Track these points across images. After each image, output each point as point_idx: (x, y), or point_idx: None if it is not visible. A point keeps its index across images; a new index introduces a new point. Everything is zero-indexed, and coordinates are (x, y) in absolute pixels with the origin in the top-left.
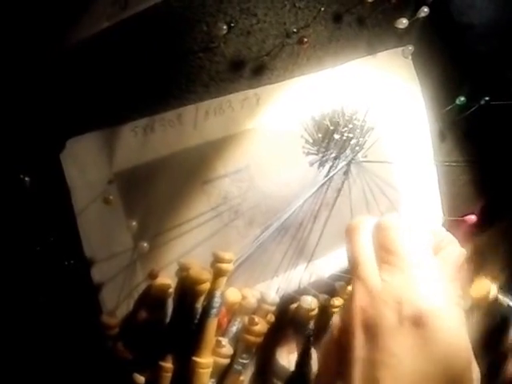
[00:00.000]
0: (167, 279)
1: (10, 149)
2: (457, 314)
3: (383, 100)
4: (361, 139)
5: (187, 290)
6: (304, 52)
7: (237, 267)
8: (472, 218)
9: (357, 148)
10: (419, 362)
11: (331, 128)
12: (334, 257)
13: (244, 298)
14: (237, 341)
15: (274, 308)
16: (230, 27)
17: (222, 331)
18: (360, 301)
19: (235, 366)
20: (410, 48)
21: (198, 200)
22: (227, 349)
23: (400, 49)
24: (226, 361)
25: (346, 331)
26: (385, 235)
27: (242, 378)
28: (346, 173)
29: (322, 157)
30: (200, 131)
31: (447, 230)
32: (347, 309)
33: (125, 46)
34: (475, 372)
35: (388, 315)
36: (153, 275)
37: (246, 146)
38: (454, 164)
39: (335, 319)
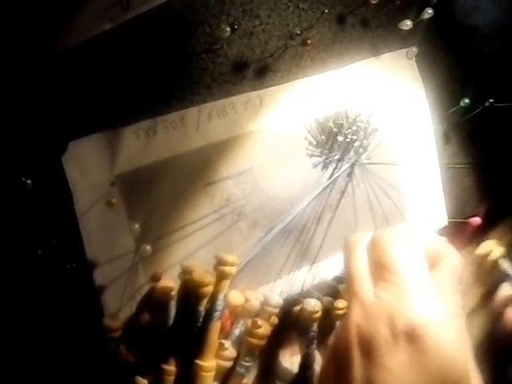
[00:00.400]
0: (170, 282)
1: (11, 151)
2: (452, 326)
3: (387, 102)
4: (364, 141)
5: (190, 292)
6: (307, 53)
7: (240, 269)
8: (476, 220)
9: (360, 150)
10: (415, 377)
11: (335, 130)
12: (338, 259)
13: (247, 300)
14: (240, 343)
15: (277, 310)
16: (233, 29)
17: (225, 334)
18: (355, 318)
19: (238, 369)
20: (414, 50)
21: (200, 202)
22: (230, 351)
23: (404, 50)
24: (229, 363)
25: (342, 349)
26: (379, 250)
27: (245, 380)
28: (350, 175)
29: (326, 159)
30: (203, 133)
31: (443, 239)
32: (343, 326)
33: (127, 48)
34: (475, 382)
35: (382, 331)
36: (155, 278)
37: (249, 147)
38: (458, 166)
39: (332, 339)
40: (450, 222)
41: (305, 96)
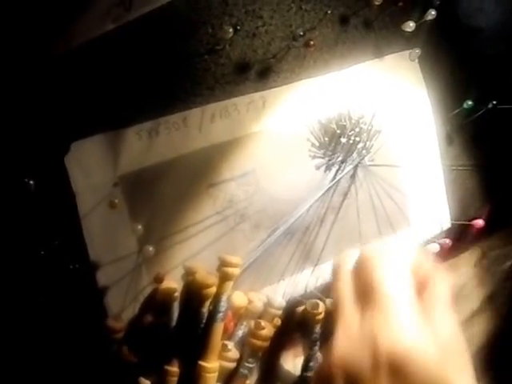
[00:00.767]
0: (173, 283)
1: (14, 152)
2: (437, 355)
3: (390, 103)
4: (367, 143)
5: (193, 294)
6: (310, 55)
7: (243, 271)
8: (479, 222)
9: (363, 152)
10: None
11: (338, 131)
12: None
13: (250, 301)
14: (243, 345)
15: (280, 312)
16: (235, 30)
17: (228, 335)
18: (339, 348)
19: (241, 370)
20: (417, 51)
21: (203, 203)
22: (233, 353)
23: (407, 52)
24: (232, 365)
25: (326, 380)
26: (365, 273)
27: (248, 382)
28: (353, 176)
29: (329, 160)
30: (205, 134)
31: (431, 259)
32: (327, 355)
33: (129, 48)
34: None
35: (366, 363)
36: (158, 279)
37: (252, 149)
38: (462, 168)
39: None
40: (453, 224)
41: (308, 97)
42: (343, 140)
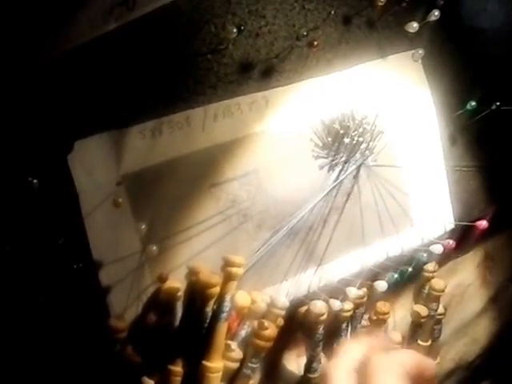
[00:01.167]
0: (176, 283)
1: (17, 151)
2: None
3: (393, 104)
4: (371, 143)
5: (197, 293)
6: (313, 54)
7: (246, 271)
8: (483, 223)
9: (367, 152)
10: None
11: (341, 131)
12: (344, 261)
13: (253, 301)
14: (246, 345)
15: (283, 312)
16: (239, 30)
17: (231, 335)
18: None
19: (245, 371)
20: (421, 52)
21: (206, 203)
22: (237, 353)
23: (410, 52)
24: (236, 365)
25: None
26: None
27: (251, 382)
28: (356, 177)
29: (332, 160)
30: (208, 134)
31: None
32: None
33: (132, 47)
34: None
35: None
36: (162, 278)
37: (255, 149)
38: (465, 169)
39: None
40: (456, 225)
41: (311, 97)
42: (346, 140)
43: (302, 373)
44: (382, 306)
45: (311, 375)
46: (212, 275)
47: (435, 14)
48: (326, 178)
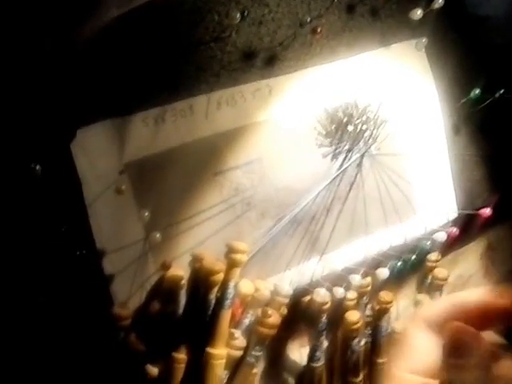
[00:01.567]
0: (179, 270)
1: (20, 137)
2: None
3: (396, 93)
4: (374, 131)
5: (200, 281)
6: (317, 42)
7: (249, 259)
8: (487, 211)
9: (370, 140)
10: None
11: (344, 120)
12: (347, 250)
13: (257, 290)
14: (250, 333)
15: (287, 300)
16: (243, 15)
17: (235, 323)
18: None
19: (248, 359)
20: (424, 40)
21: (209, 191)
22: (240, 341)
23: (413, 41)
24: (239, 353)
25: None
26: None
27: (254, 370)
28: (359, 165)
29: (335, 149)
30: (211, 122)
31: None
32: None
33: (135, 35)
34: None
35: None
36: (165, 266)
37: (258, 137)
38: (468, 158)
39: None
40: (459, 214)
41: (314, 85)
42: (350, 128)
43: (305, 362)
44: (384, 295)
45: (315, 364)
46: (216, 262)
47: (439, 1)
48: (329, 167)
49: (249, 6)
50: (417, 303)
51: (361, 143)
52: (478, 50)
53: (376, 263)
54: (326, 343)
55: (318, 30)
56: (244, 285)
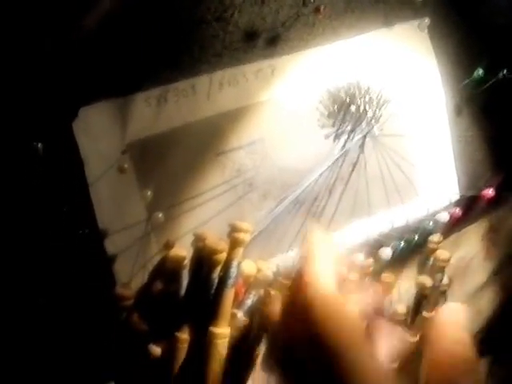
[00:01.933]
0: (182, 250)
1: (23, 116)
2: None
3: (399, 73)
4: (377, 111)
5: (203, 260)
6: (319, 22)
7: (251, 240)
8: (489, 192)
9: (372, 121)
10: None
11: (347, 100)
12: (349, 231)
13: (259, 270)
14: (252, 314)
15: (289, 281)
16: None
17: (237, 304)
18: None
19: (251, 339)
20: (427, 21)
21: (212, 172)
22: (242, 321)
23: (416, 22)
24: (242, 333)
25: None
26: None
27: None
28: (362, 146)
29: (338, 130)
30: (214, 102)
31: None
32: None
33: (138, 15)
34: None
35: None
36: (168, 245)
37: (261, 117)
38: (471, 139)
39: None
40: (461, 195)
41: (317, 66)
42: (352, 109)
43: None
44: (386, 276)
45: None
46: (219, 241)
47: None
48: (331, 148)
49: None
50: (418, 285)
51: (363, 124)
52: (481, 30)
53: (378, 244)
54: None
55: (321, 8)
56: (246, 265)
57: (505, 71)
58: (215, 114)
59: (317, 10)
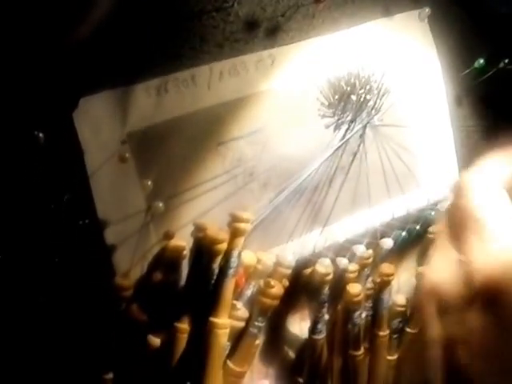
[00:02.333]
0: (182, 241)
1: (24, 105)
2: None
3: (399, 63)
4: (377, 101)
5: (204, 250)
6: (319, 13)
7: (252, 230)
8: None
9: (373, 111)
10: (494, 341)
11: (347, 90)
12: (350, 221)
13: (259, 261)
14: (252, 305)
15: (289, 271)
16: None
17: (237, 294)
18: (432, 274)
19: (251, 329)
20: (427, 10)
21: (212, 162)
22: (242, 312)
23: (416, 11)
24: (242, 324)
25: (421, 308)
26: (459, 202)
27: (257, 341)
28: (362, 136)
29: (338, 119)
30: (214, 92)
31: None
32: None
33: (138, 5)
34: None
35: (458, 291)
36: (168, 236)
37: (261, 107)
38: (471, 129)
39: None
40: None
41: (317, 56)
42: (354, 97)
43: (305, 336)
44: (386, 267)
45: (316, 336)
46: (219, 231)
47: None
48: (332, 138)
49: None
50: (418, 276)
51: (363, 114)
52: (481, 20)
53: (379, 234)
54: (327, 316)
55: None
56: (246, 256)
57: (505, 61)
58: (215, 104)
59: (317, 0)
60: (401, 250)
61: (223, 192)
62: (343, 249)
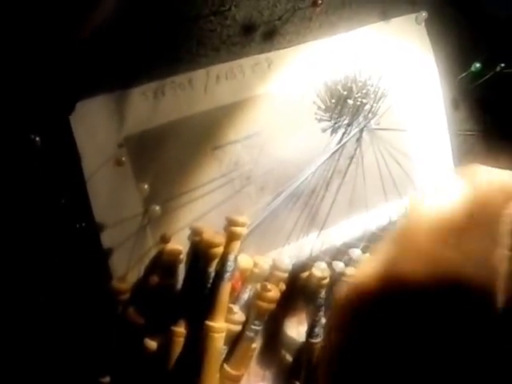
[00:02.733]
0: (178, 244)
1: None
2: None
3: (396, 67)
4: (374, 105)
5: (200, 254)
6: (316, 16)
7: (248, 234)
8: None
9: (370, 115)
10: None
11: (344, 94)
12: (346, 225)
13: (256, 264)
14: (248, 308)
15: (286, 275)
16: None
17: (234, 298)
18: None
19: (247, 333)
20: (424, 14)
21: (209, 165)
22: (239, 315)
23: (413, 15)
24: (238, 328)
25: None
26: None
27: (254, 345)
28: (359, 140)
29: (335, 123)
30: (211, 96)
31: None
32: None
33: (135, 9)
34: None
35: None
36: (165, 239)
37: (258, 111)
38: (468, 133)
39: None
40: None
41: (314, 59)
42: (350, 102)
43: (302, 339)
44: None
45: (313, 340)
46: (216, 235)
47: None
48: (328, 141)
49: None
50: None
51: (360, 117)
52: (478, 24)
53: (375, 238)
54: (324, 319)
55: (319, 2)
56: (242, 259)
57: (502, 65)
58: (212, 107)
59: (314, 3)
60: None
61: (220, 196)
62: (340, 252)
